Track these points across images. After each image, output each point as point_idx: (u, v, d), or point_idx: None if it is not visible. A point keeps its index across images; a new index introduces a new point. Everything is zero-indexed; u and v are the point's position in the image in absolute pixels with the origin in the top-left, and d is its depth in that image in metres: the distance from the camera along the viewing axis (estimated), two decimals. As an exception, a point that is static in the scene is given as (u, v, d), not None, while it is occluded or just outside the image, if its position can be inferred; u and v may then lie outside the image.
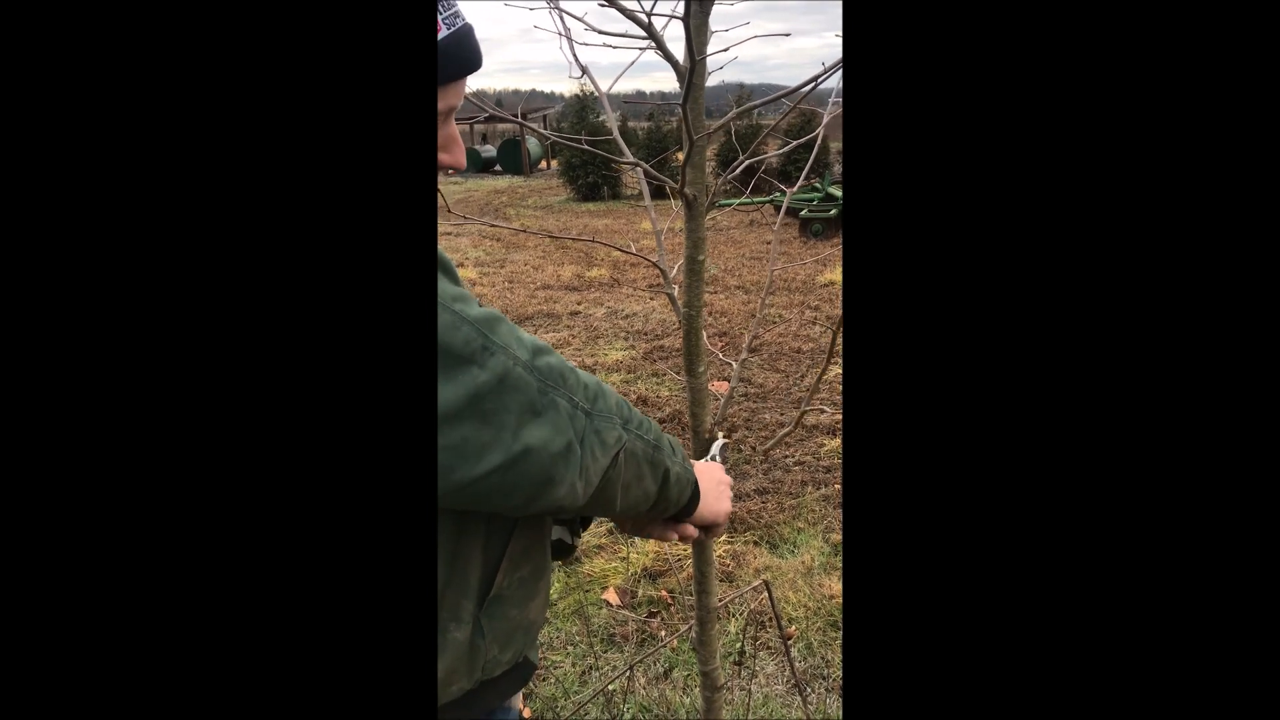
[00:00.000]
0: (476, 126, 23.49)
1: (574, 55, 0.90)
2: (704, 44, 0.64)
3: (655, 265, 0.90)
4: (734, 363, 1.00)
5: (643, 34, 0.71)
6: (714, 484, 0.83)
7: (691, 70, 0.64)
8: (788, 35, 0.58)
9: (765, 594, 2.21)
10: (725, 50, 0.60)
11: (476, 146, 21.08)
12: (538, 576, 0.75)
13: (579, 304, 5.77)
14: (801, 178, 1.00)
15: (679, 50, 0.72)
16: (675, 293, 0.93)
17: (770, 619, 2.12)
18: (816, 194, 8.72)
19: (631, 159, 0.80)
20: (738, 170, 0.87)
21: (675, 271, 0.94)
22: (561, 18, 0.86)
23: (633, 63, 0.84)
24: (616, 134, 0.87)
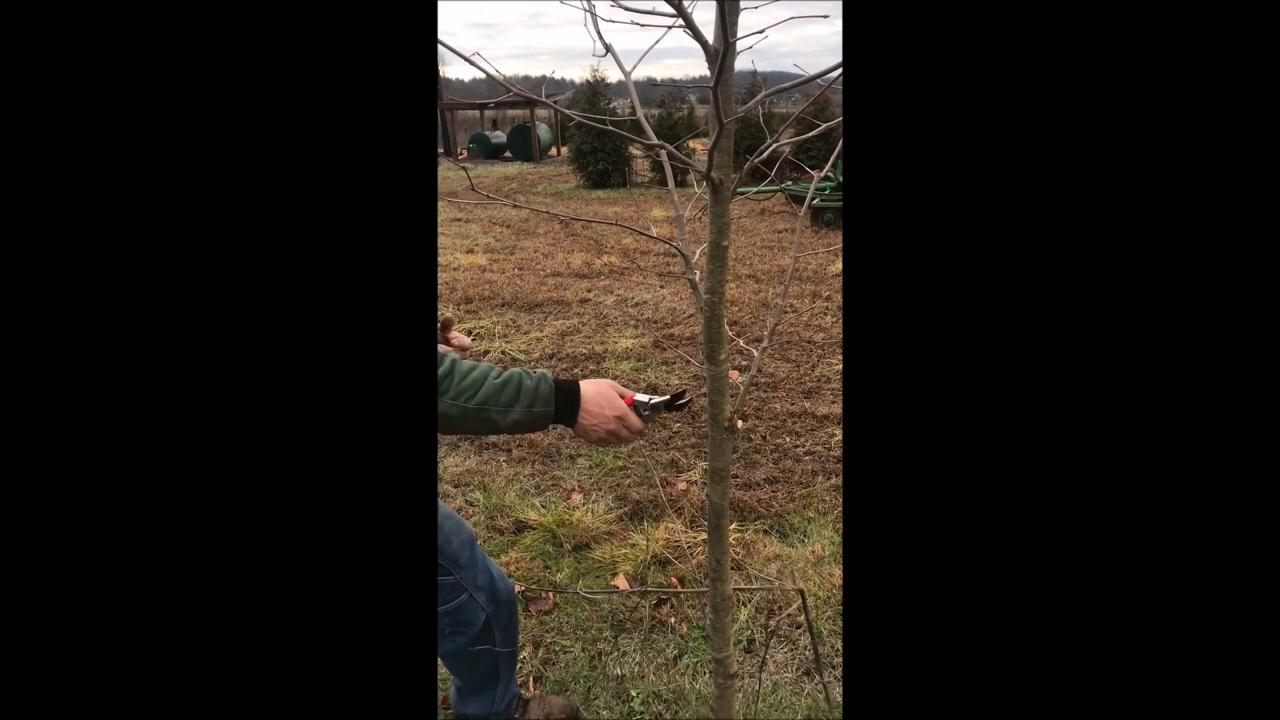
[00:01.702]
0: (487, 113, 23.40)
1: (598, 33, 0.88)
2: (736, 26, 0.63)
3: (677, 250, 0.89)
4: (755, 350, 1.00)
5: (670, 13, 0.70)
6: (590, 419, 1.11)
7: (724, 53, 0.63)
8: (825, 17, 0.57)
9: (778, 583, 2.21)
10: (760, 32, 0.60)
11: (486, 132, 21.00)
12: None
13: (589, 291, 5.76)
14: (828, 165, 0.99)
15: (706, 32, 0.71)
16: (696, 278, 0.92)
17: (780, 607, 2.13)
18: (829, 183, 8.66)
19: (655, 140, 0.79)
20: (763, 155, 0.86)
21: (696, 257, 0.93)
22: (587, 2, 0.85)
23: (657, 41, 0.83)
24: (641, 115, 0.86)
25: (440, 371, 1.05)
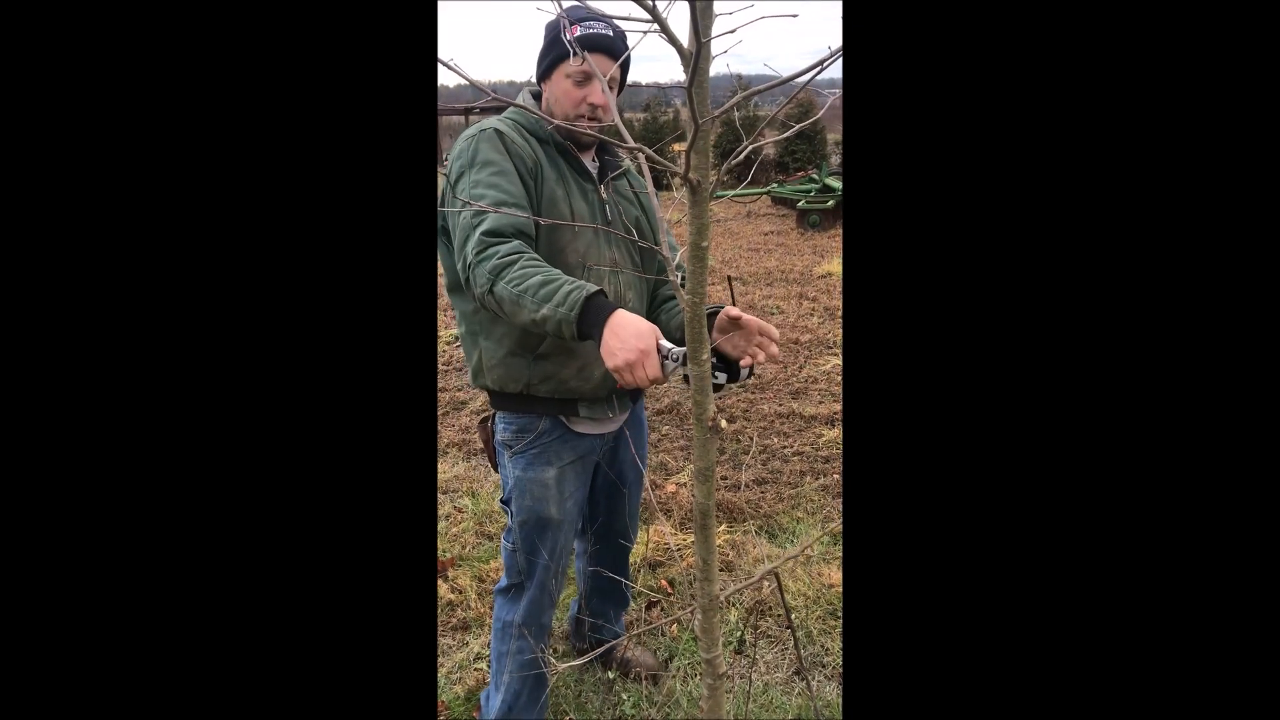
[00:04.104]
0: (471, 118, 23.36)
1: (572, 39, 0.89)
2: (709, 26, 0.63)
3: (658, 252, 0.89)
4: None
5: (645, 17, 0.71)
6: (615, 340, 1.13)
7: (697, 54, 0.63)
8: (795, 16, 0.58)
9: (769, 585, 2.21)
10: (732, 32, 0.60)
11: (472, 138, 20.88)
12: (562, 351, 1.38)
13: (576, 295, 5.76)
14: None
15: (682, 35, 0.72)
16: (678, 280, 0.92)
17: (770, 608, 2.13)
18: (814, 185, 8.70)
19: (634, 144, 0.79)
20: (740, 158, 0.87)
21: (677, 259, 0.94)
22: (561, 1, 0.86)
23: (634, 46, 0.84)
24: (618, 119, 0.86)
25: (510, 260, 1.18)
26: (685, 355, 1.20)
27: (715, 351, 1.36)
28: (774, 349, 1.32)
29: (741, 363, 1.31)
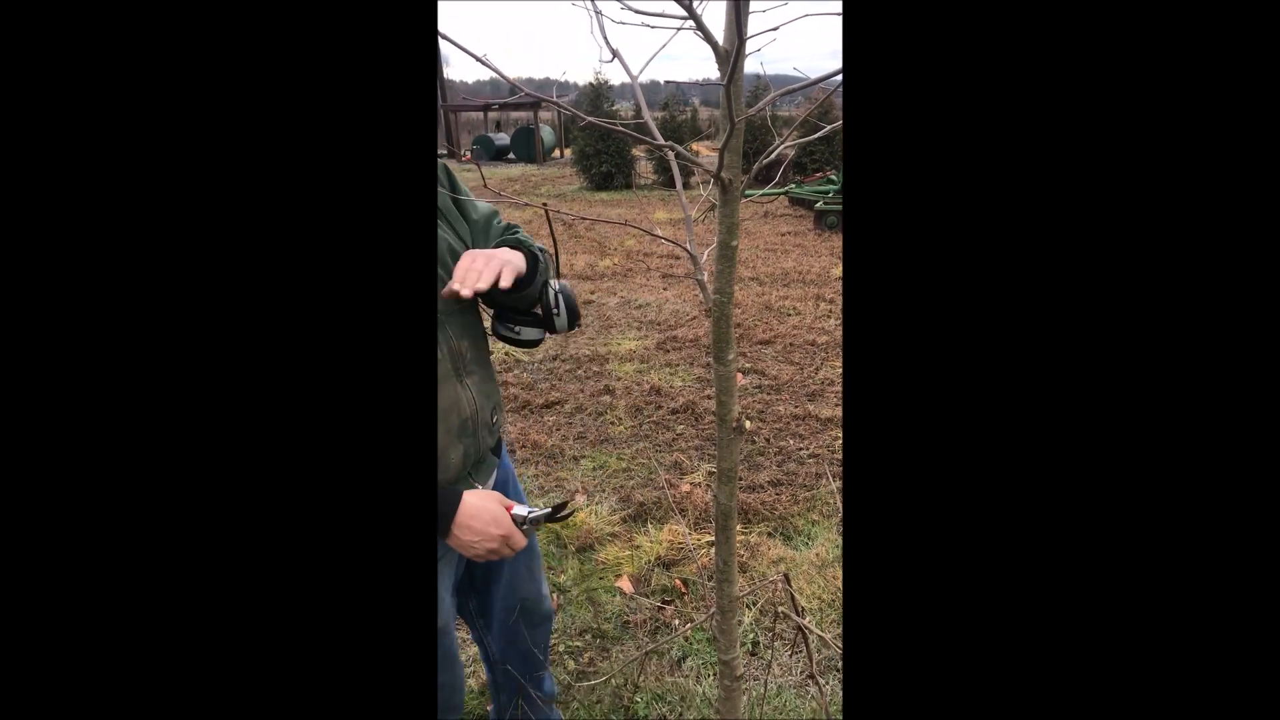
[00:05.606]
0: (490, 114, 23.43)
1: (605, 37, 0.88)
2: (747, 23, 0.63)
3: (686, 250, 0.89)
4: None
5: (680, 14, 0.70)
6: (470, 534, 1.05)
7: (736, 53, 0.63)
8: (837, 15, 0.57)
9: (782, 585, 2.20)
10: (774, 29, 0.59)
11: (490, 134, 21.03)
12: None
13: (592, 293, 5.77)
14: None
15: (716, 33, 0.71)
16: (705, 278, 0.92)
17: (784, 611, 2.12)
18: (832, 186, 8.66)
19: (663, 141, 0.79)
20: (771, 156, 0.86)
21: (704, 258, 0.93)
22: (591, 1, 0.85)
23: (666, 43, 0.83)
24: (648, 116, 0.86)
25: None
26: (545, 515, 1.12)
27: (523, 304, 1.14)
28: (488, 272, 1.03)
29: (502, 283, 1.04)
